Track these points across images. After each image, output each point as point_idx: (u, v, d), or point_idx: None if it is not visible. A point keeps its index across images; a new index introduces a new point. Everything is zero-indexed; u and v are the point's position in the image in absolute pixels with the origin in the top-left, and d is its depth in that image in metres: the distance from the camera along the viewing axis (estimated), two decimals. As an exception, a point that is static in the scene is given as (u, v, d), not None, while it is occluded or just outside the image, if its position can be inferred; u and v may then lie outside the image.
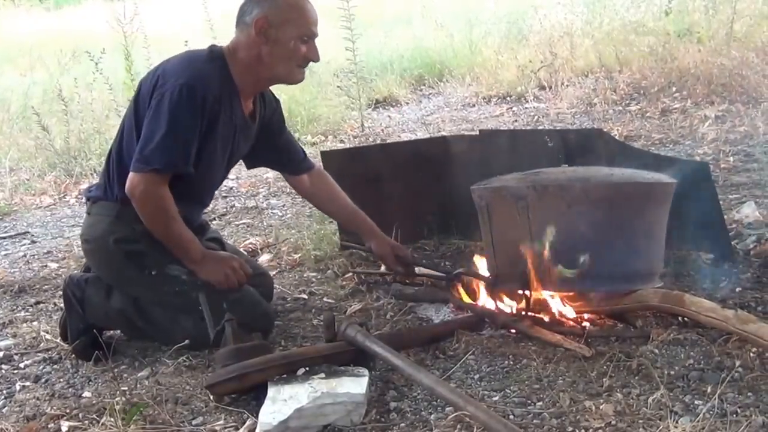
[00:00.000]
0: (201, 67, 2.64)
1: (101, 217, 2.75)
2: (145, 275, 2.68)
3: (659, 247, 2.71)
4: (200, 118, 2.57)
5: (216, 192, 5.24)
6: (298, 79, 2.76)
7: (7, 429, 2.26)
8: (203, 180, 2.77)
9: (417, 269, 3.12)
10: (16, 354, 2.88)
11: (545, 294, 2.67)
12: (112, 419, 2.18)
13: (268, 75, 2.72)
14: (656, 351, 2.40)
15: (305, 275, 3.47)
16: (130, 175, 2.57)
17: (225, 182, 5.52)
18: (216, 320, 2.50)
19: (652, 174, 2.71)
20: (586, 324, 2.64)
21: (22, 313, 3.33)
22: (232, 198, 5.17)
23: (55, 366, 2.75)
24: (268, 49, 2.63)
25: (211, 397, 2.32)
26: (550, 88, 7.11)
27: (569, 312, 2.67)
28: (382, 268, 3.26)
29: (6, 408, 2.44)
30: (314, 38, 2.68)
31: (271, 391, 2.16)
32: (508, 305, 2.74)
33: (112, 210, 2.71)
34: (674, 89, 6.43)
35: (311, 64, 2.73)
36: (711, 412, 2.00)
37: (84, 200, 3.00)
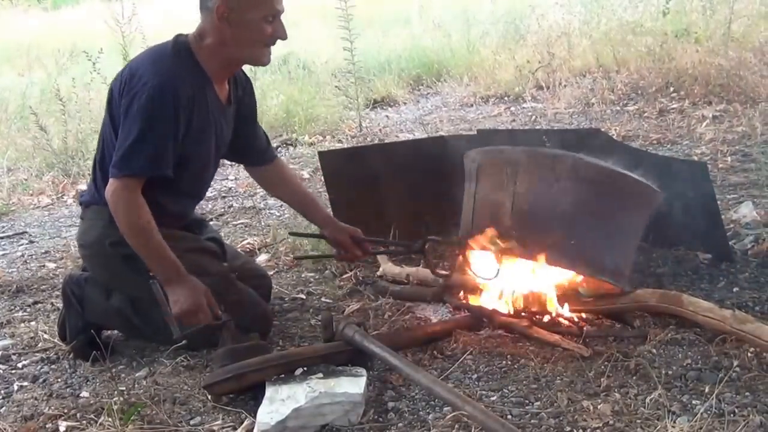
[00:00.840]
0: (167, 64, 2.58)
1: (95, 222, 2.73)
2: (143, 277, 2.66)
3: (630, 249, 2.71)
4: (174, 119, 2.53)
5: (216, 193, 5.30)
6: (266, 61, 2.69)
7: (5, 429, 2.26)
8: (195, 174, 2.75)
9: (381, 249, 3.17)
10: (14, 354, 2.88)
11: (514, 261, 2.66)
12: (109, 419, 2.19)
13: (236, 58, 2.66)
14: (654, 351, 2.40)
15: (303, 275, 3.47)
16: (109, 180, 2.56)
17: (223, 183, 5.56)
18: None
19: (647, 180, 2.71)
20: (584, 324, 2.64)
21: (20, 313, 3.33)
22: (230, 198, 5.17)
23: (52, 366, 2.75)
24: (232, 33, 2.57)
25: (209, 397, 2.33)
26: (548, 88, 7.11)
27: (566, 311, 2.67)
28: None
29: (4, 408, 2.44)
30: (279, 16, 2.63)
31: (269, 391, 2.16)
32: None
33: (105, 214, 2.68)
34: (672, 89, 6.43)
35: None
36: (709, 412, 2.00)
37: (78, 205, 2.97)
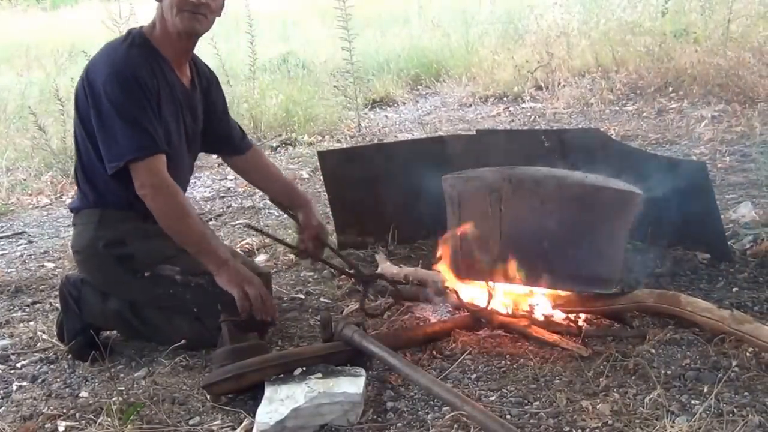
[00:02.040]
0: (120, 52, 2.62)
1: (86, 226, 2.73)
2: (138, 278, 2.66)
3: (619, 254, 2.72)
4: (145, 98, 2.55)
5: (214, 193, 5.30)
6: (189, 25, 2.64)
7: (4, 429, 2.26)
8: (170, 162, 2.71)
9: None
10: (13, 354, 2.87)
11: (506, 287, 2.69)
12: (109, 419, 2.18)
13: (172, 32, 2.66)
14: (653, 351, 2.40)
15: (302, 275, 3.47)
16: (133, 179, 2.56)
17: (222, 183, 5.56)
18: (204, 322, 2.50)
19: (623, 183, 2.72)
20: (583, 324, 2.64)
21: (19, 313, 3.32)
22: (229, 198, 5.17)
23: (51, 366, 2.74)
24: (160, 5, 2.65)
25: (208, 397, 2.32)
26: (547, 88, 7.12)
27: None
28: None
29: (3, 408, 2.44)
30: None
31: (268, 390, 2.16)
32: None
33: (94, 216, 2.70)
34: (671, 89, 6.44)
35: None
36: (707, 412, 2.00)
37: (70, 212, 2.97)
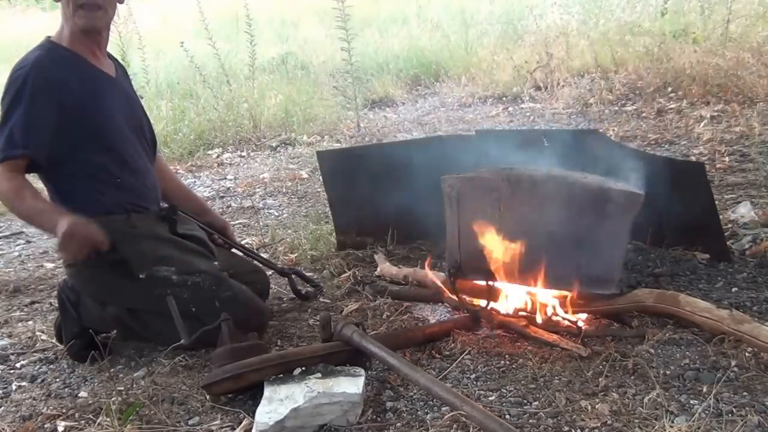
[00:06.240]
0: (26, 59, 2.69)
1: None
2: (135, 281, 2.64)
3: (619, 255, 2.72)
4: (39, 97, 2.59)
5: (214, 193, 5.29)
6: (82, 23, 2.69)
7: (3, 429, 2.26)
8: (117, 151, 2.74)
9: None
10: (12, 354, 2.88)
11: (506, 286, 2.69)
12: (108, 419, 2.18)
13: (74, 30, 2.72)
14: (652, 351, 2.40)
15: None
16: None
17: (222, 182, 5.56)
18: (203, 321, 2.51)
19: (623, 183, 2.72)
20: (583, 324, 2.64)
21: (18, 313, 3.32)
22: (229, 198, 5.17)
23: (51, 366, 2.75)
24: (61, 5, 2.72)
25: (208, 397, 2.33)
26: (546, 88, 7.12)
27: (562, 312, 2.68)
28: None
29: (2, 408, 2.44)
30: None
31: (268, 390, 2.16)
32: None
33: None
34: (670, 89, 6.44)
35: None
36: (707, 412, 2.00)
37: None
